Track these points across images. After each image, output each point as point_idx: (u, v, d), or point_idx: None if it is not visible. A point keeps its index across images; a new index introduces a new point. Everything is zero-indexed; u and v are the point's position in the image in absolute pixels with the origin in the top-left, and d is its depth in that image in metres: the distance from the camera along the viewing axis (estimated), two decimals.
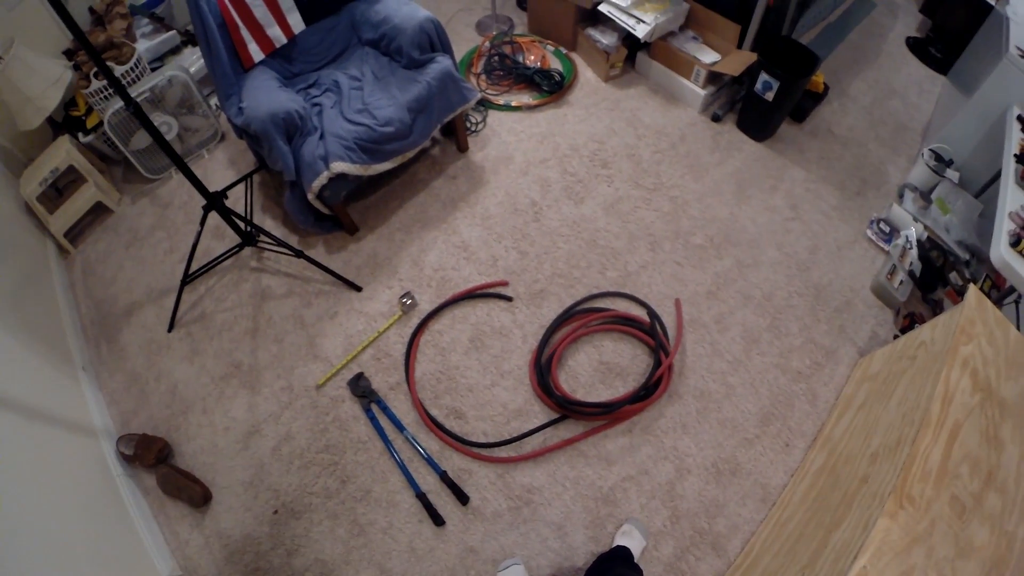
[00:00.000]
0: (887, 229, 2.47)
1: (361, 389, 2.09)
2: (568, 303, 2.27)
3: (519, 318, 2.25)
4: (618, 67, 2.99)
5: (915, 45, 3.25)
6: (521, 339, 2.20)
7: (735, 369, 2.13)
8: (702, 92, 2.78)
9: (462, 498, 1.89)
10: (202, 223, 2.12)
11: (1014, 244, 1.77)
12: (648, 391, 2.04)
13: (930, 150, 2.51)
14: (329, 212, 2.31)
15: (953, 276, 2.25)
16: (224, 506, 1.93)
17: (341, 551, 1.84)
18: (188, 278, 2.21)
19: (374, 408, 2.07)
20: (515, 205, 2.57)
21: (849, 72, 3.09)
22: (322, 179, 2.09)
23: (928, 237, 2.37)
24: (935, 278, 2.28)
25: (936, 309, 2.23)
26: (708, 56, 2.73)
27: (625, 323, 2.20)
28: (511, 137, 2.81)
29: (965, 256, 2.30)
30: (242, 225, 2.17)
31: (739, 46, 2.73)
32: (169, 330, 2.30)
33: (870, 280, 2.35)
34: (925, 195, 2.48)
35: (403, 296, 2.28)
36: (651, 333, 2.15)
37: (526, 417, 2.04)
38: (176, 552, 1.87)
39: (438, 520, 1.86)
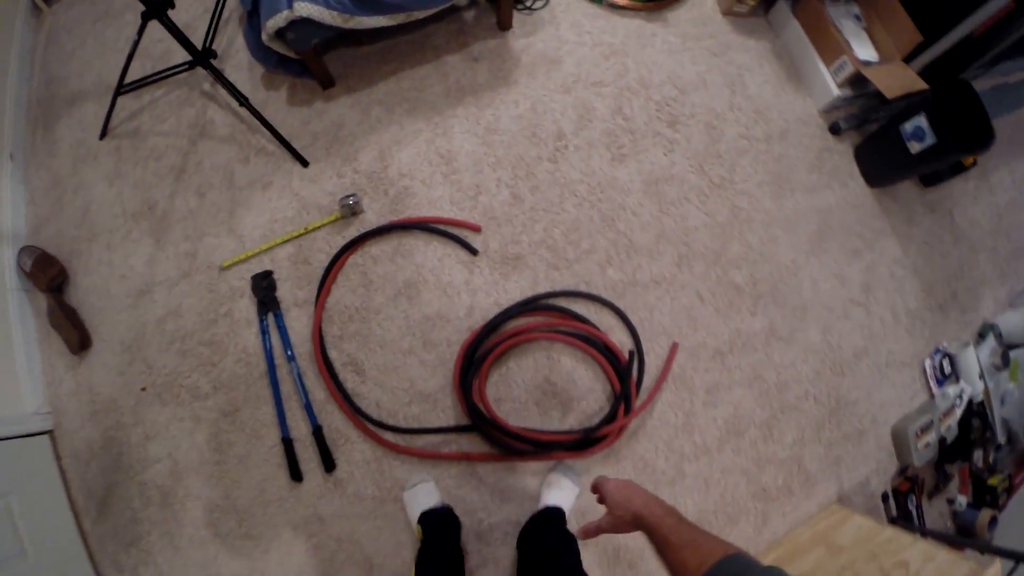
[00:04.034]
0: (947, 370, 2.17)
1: (264, 291, 1.77)
2: (543, 288, 1.83)
3: (476, 281, 1.82)
4: (749, 4, 2.27)
5: None
6: (466, 310, 1.80)
7: (698, 456, 1.75)
8: (835, 91, 2.18)
9: (328, 463, 1.68)
10: (140, 32, 1.73)
11: None
12: (586, 443, 1.65)
13: None
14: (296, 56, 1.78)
15: (977, 455, 2.13)
16: (100, 359, 1.80)
17: (196, 458, 1.72)
18: (123, 88, 1.85)
19: (269, 319, 1.77)
20: (535, 128, 1.98)
21: (1002, 153, 2.44)
22: (279, 19, 1.55)
23: (980, 401, 2.14)
24: (961, 450, 2.09)
25: (940, 483, 2.09)
26: (865, 51, 2.15)
27: (597, 348, 1.74)
28: (571, 34, 2.13)
29: (1001, 439, 2.16)
30: (199, 44, 1.75)
31: (907, 60, 2.14)
32: (100, 137, 1.99)
33: (897, 418, 2.04)
34: (1005, 352, 2.22)
35: (349, 195, 1.83)
36: (622, 376, 1.68)
37: (431, 407, 1.73)
38: (48, 387, 1.79)
39: (296, 474, 1.68)
